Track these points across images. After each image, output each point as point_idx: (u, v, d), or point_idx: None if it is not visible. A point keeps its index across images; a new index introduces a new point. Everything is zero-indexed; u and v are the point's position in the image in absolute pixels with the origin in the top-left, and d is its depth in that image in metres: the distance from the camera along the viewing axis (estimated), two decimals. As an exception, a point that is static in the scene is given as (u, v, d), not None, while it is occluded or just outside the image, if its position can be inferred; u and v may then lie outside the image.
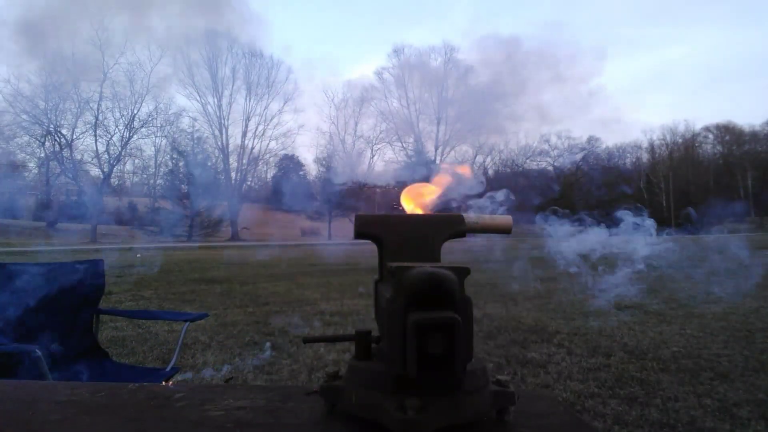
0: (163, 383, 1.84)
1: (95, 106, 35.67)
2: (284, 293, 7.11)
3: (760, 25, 75.38)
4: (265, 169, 54.78)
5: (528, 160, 50.70)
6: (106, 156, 36.46)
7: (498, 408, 0.45)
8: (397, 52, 49.37)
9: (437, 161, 47.81)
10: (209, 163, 39.28)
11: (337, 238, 39.43)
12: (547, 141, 51.78)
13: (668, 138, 54.97)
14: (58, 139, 35.14)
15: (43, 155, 37.63)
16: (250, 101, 43.43)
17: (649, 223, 1.61)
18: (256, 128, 43.84)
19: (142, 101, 37.74)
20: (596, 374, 3.20)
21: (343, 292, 7.13)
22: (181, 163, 37.96)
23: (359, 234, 0.55)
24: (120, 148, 37.24)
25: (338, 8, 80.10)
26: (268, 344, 3.67)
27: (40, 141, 36.12)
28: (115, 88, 37.06)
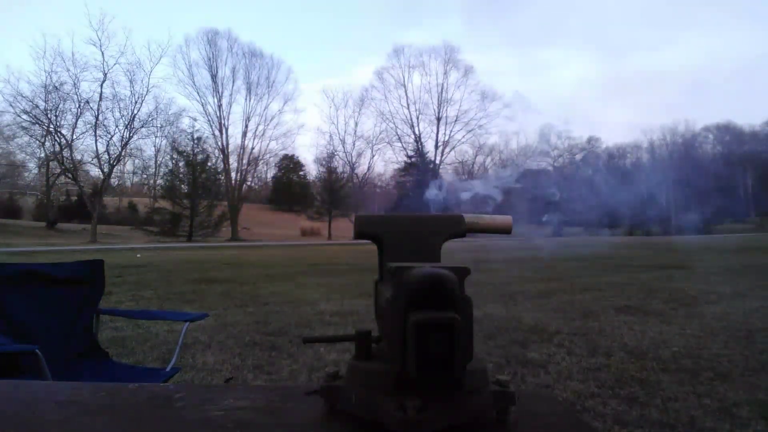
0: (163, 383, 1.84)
1: (95, 106, 35.64)
2: (284, 293, 7.11)
3: (760, 25, 75.40)
4: (265, 169, 54.87)
5: (528, 161, 50.73)
6: (106, 156, 36.42)
7: (498, 408, 0.45)
8: (397, 52, 49.37)
9: (437, 161, 47.83)
10: (209, 164, 39.20)
11: (337, 238, 39.44)
12: (547, 141, 51.82)
13: (668, 138, 55.05)
14: (58, 139, 35.11)
15: (43, 155, 37.62)
16: (250, 101, 43.44)
17: None
18: (256, 128, 43.83)
19: (142, 101, 37.74)
20: (596, 374, 3.20)
21: (343, 292, 7.14)
22: (181, 163, 37.91)
23: (359, 234, 0.55)
24: (120, 148, 37.21)
25: (338, 8, 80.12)
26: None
27: (40, 141, 36.11)
28: (115, 88, 37.09)
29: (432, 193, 0.69)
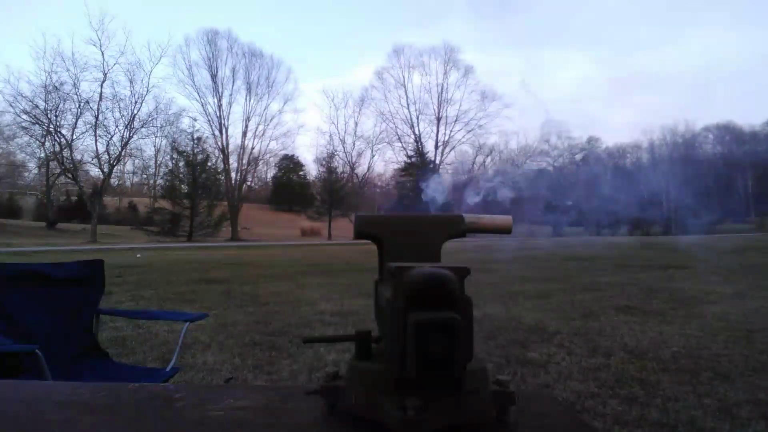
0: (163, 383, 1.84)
1: (95, 106, 35.63)
2: (284, 293, 7.11)
3: (760, 25, 75.44)
4: (265, 169, 54.87)
5: (528, 160, 50.71)
6: (106, 156, 36.41)
7: (498, 408, 0.45)
8: (397, 52, 49.35)
9: (437, 161, 47.83)
10: (209, 164, 39.20)
11: (337, 238, 39.43)
12: (547, 141, 51.79)
13: (668, 138, 55.04)
14: (58, 139, 35.11)
15: (43, 155, 37.62)
16: (250, 101, 43.42)
17: None
18: (256, 128, 43.81)
19: (142, 101, 37.74)
20: (596, 374, 3.20)
21: (343, 292, 7.14)
22: (181, 163, 37.91)
23: (359, 234, 0.55)
24: (120, 148, 37.21)
25: (338, 8, 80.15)
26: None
27: (40, 141, 36.10)
28: (115, 88, 37.08)
29: (433, 184, 0.69)
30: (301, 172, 57.32)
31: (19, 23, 63.03)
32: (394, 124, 49.07)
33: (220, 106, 42.10)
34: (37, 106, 33.79)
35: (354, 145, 49.06)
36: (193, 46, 42.76)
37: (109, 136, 36.44)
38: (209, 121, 41.91)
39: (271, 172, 57.99)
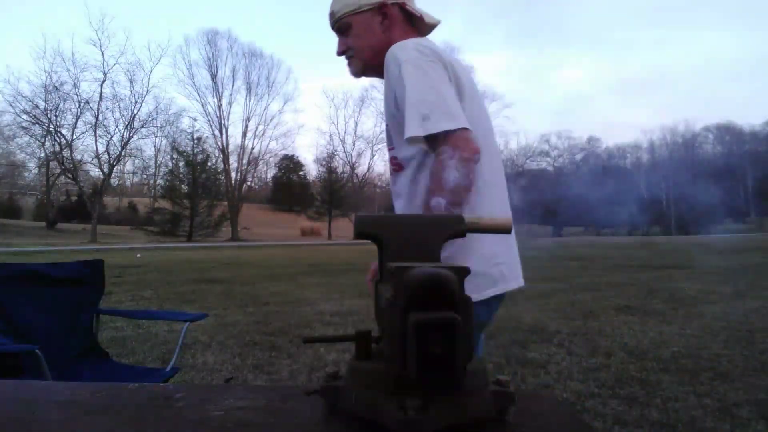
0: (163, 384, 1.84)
1: (95, 106, 35.64)
2: (284, 293, 7.11)
3: (761, 26, 75.48)
4: (265, 169, 54.94)
5: (528, 161, 50.75)
6: (106, 156, 36.42)
7: (498, 408, 0.45)
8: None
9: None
10: (209, 164, 39.21)
11: (337, 238, 39.43)
12: (547, 141, 51.85)
13: (668, 138, 55.12)
14: (58, 139, 35.11)
15: (43, 155, 37.62)
16: (250, 101, 43.44)
17: None
18: (256, 128, 43.82)
19: (142, 101, 37.76)
20: (596, 374, 3.20)
21: (343, 292, 7.14)
22: (181, 163, 37.93)
23: (359, 234, 0.55)
24: (120, 148, 37.21)
25: (338, 8, 79.99)
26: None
27: (40, 141, 36.12)
28: (115, 88, 37.12)
29: None
30: (301, 172, 57.36)
31: (19, 23, 63.07)
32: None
33: (220, 106, 42.12)
34: (37, 106, 33.82)
35: (354, 145, 49.08)
36: (193, 46, 43.01)
37: (109, 136, 36.48)
38: (209, 121, 41.94)
39: (271, 172, 58.09)
